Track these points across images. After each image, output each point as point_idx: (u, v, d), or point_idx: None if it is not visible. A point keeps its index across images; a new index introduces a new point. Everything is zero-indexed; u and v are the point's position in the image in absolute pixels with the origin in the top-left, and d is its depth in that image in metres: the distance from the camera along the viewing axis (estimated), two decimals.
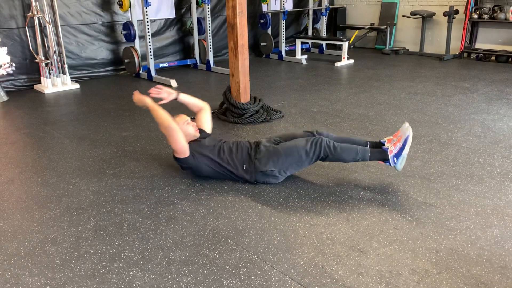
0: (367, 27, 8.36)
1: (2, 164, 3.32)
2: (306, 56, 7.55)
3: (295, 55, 7.62)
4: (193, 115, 3.19)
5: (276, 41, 7.95)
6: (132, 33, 6.23)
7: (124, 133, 3.97)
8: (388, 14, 8.32)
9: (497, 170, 2.96)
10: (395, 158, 2.64)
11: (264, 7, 7.94)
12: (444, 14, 7.13)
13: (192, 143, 2.88)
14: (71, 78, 6.02)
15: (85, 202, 2.67)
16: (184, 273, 1.97)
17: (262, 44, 7.89)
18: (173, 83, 5.85)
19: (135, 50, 6.30)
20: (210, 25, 6.77)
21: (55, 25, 5.71)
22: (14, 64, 5.58)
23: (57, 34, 5.72)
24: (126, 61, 6.47)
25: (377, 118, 4.18)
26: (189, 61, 7.15)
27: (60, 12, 5.91)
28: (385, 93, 5.15)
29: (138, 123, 4.26)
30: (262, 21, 7.74)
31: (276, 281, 1.90)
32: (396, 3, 8.20)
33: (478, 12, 7.01)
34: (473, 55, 7.25)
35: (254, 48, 8.13)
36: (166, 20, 7.10)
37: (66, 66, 5.83)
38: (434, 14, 7.63)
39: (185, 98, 3.12)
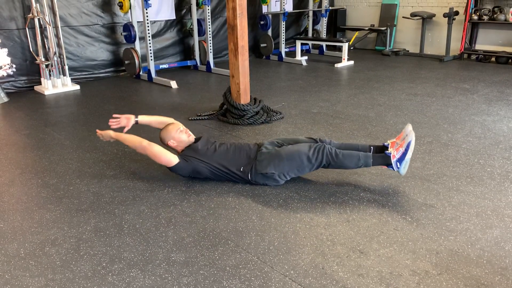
0: (367, 28, 8.36)
1: (2, 165, 3.32)
2: (306, 57, 7.55)
3: (295, 57, 7.63)
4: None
5: (276, 43, 7.95)
6: (132, 34, 6.24)
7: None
8: (388, 15, 8.33)
9: (497, 171, 2.96)
10: (398, 163, 2.64)
11: (264, 9, 7.95)
12: (444, 15, 7.14)
13: (186, 149, 2.89)
14: (72, 79, 6.03)
15: (85, 203, 2.67)
16: (184, 274, 1.97)
17: (262, 45, 7.90)
18: (173, 84, 5.85)
19: (135, 51, 6.30)
20: (210, 26, 6.77)
21: (56, 26, 5.72)
22: (14, 65, 5.59)
23: (57, 36, 5.73)
24: (126, 62, 6.48)
25: (377, 119, 4.18)
26: (189, 62, 7.16)
27: (61, 14, 5.92)
28: (385, 94, 5.15)
29: (138, 124, 4.25)
30: (262, 22, 7.75)
31: (276, 282, 1.90)
32: (396, 4, 8.21)
33: (478, 13, 7.01)
34: (473, 56, 7.26)
35: (254, 50, 8.13)
36: (166, 21, 7.11)
37: (66, 67, 5.84)
38: (434, 15, 7.64)
39: (145, 119, 3.14)
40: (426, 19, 7.61)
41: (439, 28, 7.69)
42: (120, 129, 3.06)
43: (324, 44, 8.18)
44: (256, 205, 2.58)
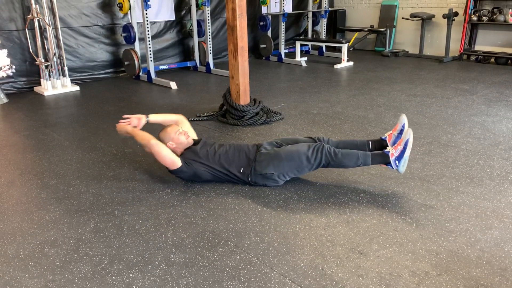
0: (366, 29, 8.37)
1: (2, 166, 3.32)
2: (305, 58, 7.55)
3: (294, 57, 7.63)
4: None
5: (276, 43, 7.95)
6: (132, 35, 6.24)
7: (124, 135, 3.96)
8: (387, 16, 8.33)
9: (497, 172, 2.96)
10: (397, 161, 2.64)
11: (264, 9, 7.96)
12: (444, 16, 7.15)
13: (185, 151, 2.89)
14: (71, 80, 6.03)
15: (85, 204, 2.67)
16: (184, 275, 1.97)
17: (262, 46, 7.90)
18: (173, 85, 5.85)
19: (135, 52, 6.30)
20: (210, 27, 6.78)
21: (55, 27, 5.72)
22: (14, 66, 5.58)
23: (57, 36, 5.73)
24: (126, 63, 6.48)
25: (377, 120, 4.18)
26: (189, 63, 7.16)
27: (60, 14, 5.92)
28: (384, 95, 5.16)
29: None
30: (261, 23, 7.75)
31: (276, 283, 1.90)
32: (396, 5, 8.22)
33: (477, 14, 7.02)
34: (473, 57, 7.26)
35: (254, 50, 8.13)
36: (166, 22, 7.11)
37: (66, 68, 5.84)
38: (433, 16, 7.65)
39: (156, 118, 3.14)
40: (425, 20, 7.62)
41: (439, 29, 7.69)
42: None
43: (323, 45, 8.18)
44: (256, 206, 2.58)
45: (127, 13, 6.40)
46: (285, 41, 7.93)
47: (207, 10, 6.71)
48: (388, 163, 2.68)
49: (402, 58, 7.72)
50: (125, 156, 3.45)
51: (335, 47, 8.36)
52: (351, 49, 8.40)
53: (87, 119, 4.53)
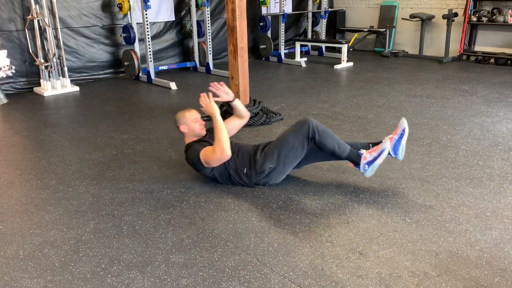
0: (366, 29, 8.37)
1: (2, 167, 3.32)
2: (305, 59, 7.56)
3: (294, 58, 7.64)
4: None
5: (276, 44, 7.96)
6: (131, 36, 6.24)
7: (124, 135, 3.97)
8: (387, 17, 8.34)
9: (497, 173, 2.96)
10: (366, 165, 2.66)
11: (264, 10, 7.96)
12: (443, 17, 7.15)
13: (193, 143, 2.85)
14: (71, 80, 6.03)
15: (85, 204, 2.67)
16: (183, 276, 1.97)
17: (261, 46, 7.91)
18: (173, 85, 5.85)
19: (135, 52, 6.31)
20: (209, 27, 6.78)
21: (55, 28, 5.72)
22: (13, 67, 5.58)
23: (56, 37, 5.73)
24: (125, 63, 6.48)
25: (377, 121, 4.19)
26: (188, 64, 7.16)
27: (60, 15, 5.92)
28: (384, 95, 5.16)
29: (137, 126, 4.26)
30: (261, 23, 7.76)
31: (275, 284, 1.90)
32: (395, 5, 8.22)
33: (477, 15, 7.03)
34: (472, 58, 7.26)
35: (254, 51, 8.14)
36: (166, 22, 7.11)
37: (65, 68, 5.84)
38: (433, 17, 7.65)
39: (237, 104, 3.02)
40: (425, 21, 7.62)
41: (438, 30, 7.70)
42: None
43: (323, 45, 8.19)
44: (256, 207, 2.58)
45: (127, 14, 6.40)
46: (285, 41, 7.94)
47: (207, 10, 6.71)
48: (357, 164, 2.70)
49: (402, 59, 7.73)
50: (124, 157, 3.45)
51: (334, 47, 8.37)
52: (351, 49, 8.40)
53: (87, 119, 4.53)
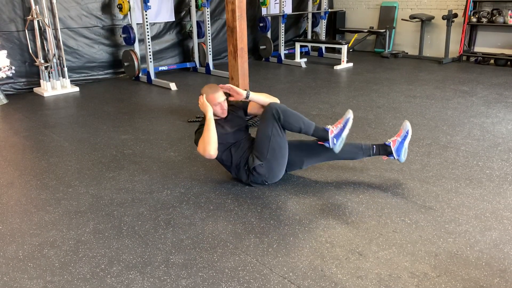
0: (366, 30, 8.37)
1: (1, 167, 3.32)
2: (305, 60, 7.56)
3: (294, 59, 7.64)
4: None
5: (276, 45, 7.96)
6: (131, 36, 6.24)
7: (124, 136, 3.97)
8: (387, 18, 8.34)
9: (496, 173, 2.96)
10: (334, 139, 2.69)
11: (264, 11, 7.96)
12: (443, 17, 7.16)
13: (218, 127, 2.79)
14: (71, 81, 6.03)
15: (84, 205, 2.67)
16: (183, 276, 1.97)
17: (261, 47, 7.91)
18: (173, 86, 5.85)
19: (135, 53, 6.31)
20: (209, 28, 6.79)
21: (55, 28, 5.72)
22: (13, 67, 5.58)
23: (56, 37, 5.74)
24: (125, 64, 6.48)
25: (376, 121, 4.19)
26: (188, 64, 7.16)
27: (60, 15, 5.92)
28: (384, 96, 5.16)
29: (137, 126, 4.27)
30: (261, 24, 7.76)
31: (275, 285, 1.90)
32: (395, 6, 8.23)
33: (477, 16, 7.03)
34: (472, 59, 7.27)
35: (254, 52, 8.14)
36: (166, 23, 7.11)
37: (65, 69, 5.84)
38: (433, 17, 7.65)
39: (255, 97, 2.89)
40: (425, 21, 7.62)
41: (438, 31, 7.70)
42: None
43: (323, 46, 8.19)
44: (255, 207, 2.58)
45: (127, 14, 6.40)
46: (285, 42, 7.94)
47: (207, 11, 6.71)
48: (325, 140, 2.71)
49: (402, 60, 7.73)
50: (124, 157, 3.45)
51: (334, 48, 8.36)
52: (351, 50, 8.41)
53: (87, 120, 4.53)
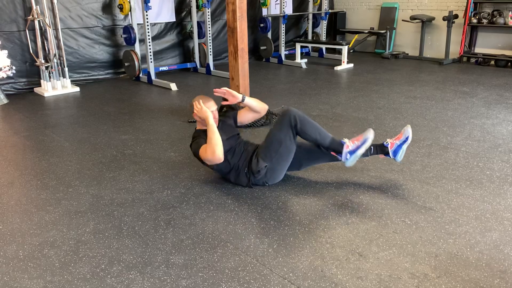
0: (366, 31, 8.38)
1: (2, 167, 3.32)
2: (305, 60, 7.56)
3: (294, 59, 7.64)
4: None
5: (276, 45, 7.97)
6: (132, 37, 6.25)
7: (124, 136, 3.97)
8: (387, 19, 8.35)
9: (496, 174, 2.96)
10: (348, 154, 2.69)
11: (264, 11, 7.97)
12: (444, 18, 7.16)
13: (202, 132, 2.81)
14: (71, 81, 6.03)
15: (85, 205, 2.67)
16: (183, 277, 1.97)
17: (262, 48, 7.91)
18: (173, 86, 5.86)
19: (135, 53, 6.31)
20: (210, 28, 6.79)
21: (56, 28, 5.72)
22: (14, 67, 5.59)
23: (57, 37, 5.74)
24: (126, 64, 6.49)
25: (377, 122, 4.19)
26: (189, 65, 7.16)
27: (61, 16, 5.93)
28: (384, 97, 5.16)
29: (138, 126, 4.27)
30: (262, 25, 7.76)
31: (275, 285, 1.90)
32: (396, 7, 8.23)
33: (477, 17, 7.03)
34: (472, 60, 7.27)
35: (254, 52, 8.14)
36: (166, 23, 7.12)
37: (66, 69, 5.84)
38: (433, 18, 7.65)
39: (249, 102, 2.91)
40: (425, 22, 7.62)
41: (439, 31, 7.70)
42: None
43: (323, 47, 8.19)
44: (255, 208, 2.58)
45: (127, 15, 6.40)
46: (285, 43, 7.94)
47: (208, 11, 6.72)
48: (339, 153, 2.72)
49: (402, 60, 7.73)
50: (125, 157, 3.45)
51: (335, 49, 8.37)
52: (351, 51, 8.41)
53: (87, 120, 4.53)
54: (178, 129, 4.13)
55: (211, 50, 6.85)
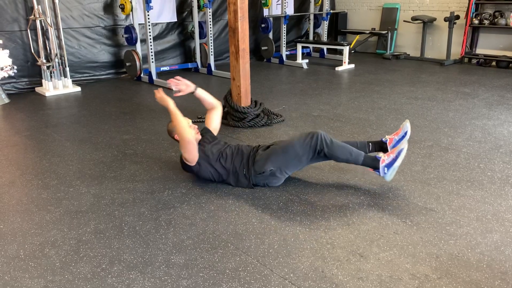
0: (368, 32, 8.38)
1: (3, 167, 3.33)
2: (307, 61, 7.56)
3: (296, 60, 7.64)
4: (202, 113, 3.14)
5: (277, 46, 7.97)
6: (133, 37, 6.25)
7: (125, 136, 3.98)
8: (389, 19, 8.34)
9: (498, 176, 2.96)
10: (385, 168, 2.66)
11: (266, 12, 7.97)
12: (445, 19, 7.15)
13: (199, 147, 2.85)
14: (72, 81, 6.04)
15: (85, 205, 2.68)
16: (183, 277, 1.97)
17: (263, 48, 7.91)
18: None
19: (137, 53, 6.32)
20: (211, 29, 6.79)
21: (57, 28, 5.73)
22: (15, 67, 5.60)
23: (58, 37, 5.74)
24: (127, 64, 6.49)
25: (378, 123, 4.19)
26: (190, 65, 7.17)
27: (62, 15, 5.94)
28: (385, 97, 5.16)
29: (139, 126, 4.27)
30: (263, 25, 7.76)
31: (275, 285, 1.90)
32: (397, 8, 8.22)
33: (478, 18, 7.03)
34: (474, 61, 7.27)
35: (255, 52, 8.15)
36: (168, 23, 7.12)
37: (67, 69, 5.85)
38: (435, 19, 7.65)
39: (201, 93, 3.08)
40: (427, 23, 7.62)
41: (440, 32, 7.70)
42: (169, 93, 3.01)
43: (325, 47, 8.19)
44: (256, 208, 2.58)
45: (129, 15, 6.41)
46: (287, 43, 7.94)
47: (209, 11, 6.72)
48: (376, 168, 2.70)
49: (403, 61, 7.73)
50: (126, 157, 3.46)
51: (336, 49, 8.37)
52: (353, 51, 8.41)
53: (88, 120, 4.54)
54: None
55: (212, 50, 6.86)
